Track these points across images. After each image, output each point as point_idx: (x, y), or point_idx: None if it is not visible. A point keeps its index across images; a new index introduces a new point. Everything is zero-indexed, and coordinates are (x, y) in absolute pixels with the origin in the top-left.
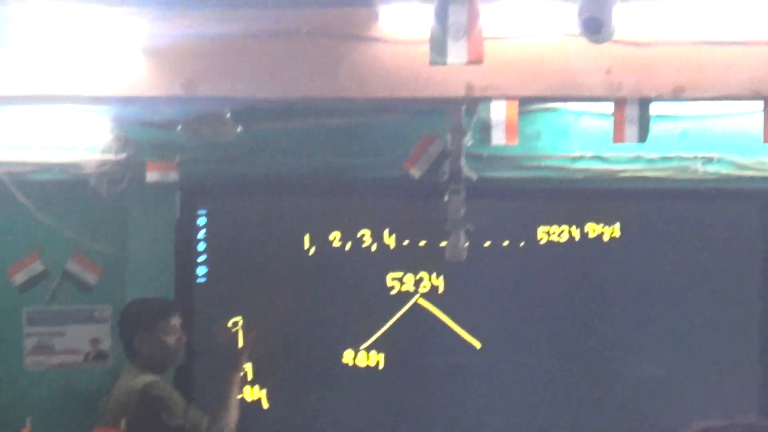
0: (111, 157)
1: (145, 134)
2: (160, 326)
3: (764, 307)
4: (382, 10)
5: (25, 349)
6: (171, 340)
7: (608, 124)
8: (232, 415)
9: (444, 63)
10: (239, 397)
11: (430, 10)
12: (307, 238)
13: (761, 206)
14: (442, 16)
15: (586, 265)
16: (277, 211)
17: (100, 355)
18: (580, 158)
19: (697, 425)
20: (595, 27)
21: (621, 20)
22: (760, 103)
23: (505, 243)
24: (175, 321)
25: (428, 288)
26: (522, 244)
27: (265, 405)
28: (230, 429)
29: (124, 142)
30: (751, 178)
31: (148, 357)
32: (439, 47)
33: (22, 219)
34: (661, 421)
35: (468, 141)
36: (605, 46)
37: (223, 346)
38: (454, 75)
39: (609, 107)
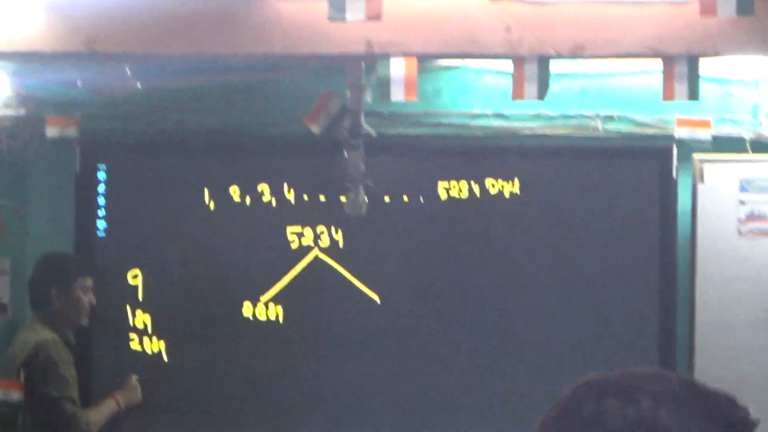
0: (11, 112)
1: (46, 90)
2: (79, 283)
3: (662, 263)
4: None
5: None
6: (86, 299)
7: (508, 82)
8: (98, 419)
9: (343, 19)
10: (107, 412)
11: None
12: (206, 193)
13: (661, 164)
14: None
15: (487, 221)
16: (177, 167)
17: (0, 308)
18: (481, 116)
19: (583, 377)
20: None
21: None
22: (660, 62)
23: (405, 198)
24: (89, 282)
25: (328, 243)
26: (422, 199)
27: (165, 358)
28: (90, 426)
29: (24, 97)
30: (651, 137)
31: (59, 312)
32: (337, 3)
33: None
34: (563, 379)
35: (367, 98)
36: (505, 4)
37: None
38: (353, 31)
39: (509, 65)
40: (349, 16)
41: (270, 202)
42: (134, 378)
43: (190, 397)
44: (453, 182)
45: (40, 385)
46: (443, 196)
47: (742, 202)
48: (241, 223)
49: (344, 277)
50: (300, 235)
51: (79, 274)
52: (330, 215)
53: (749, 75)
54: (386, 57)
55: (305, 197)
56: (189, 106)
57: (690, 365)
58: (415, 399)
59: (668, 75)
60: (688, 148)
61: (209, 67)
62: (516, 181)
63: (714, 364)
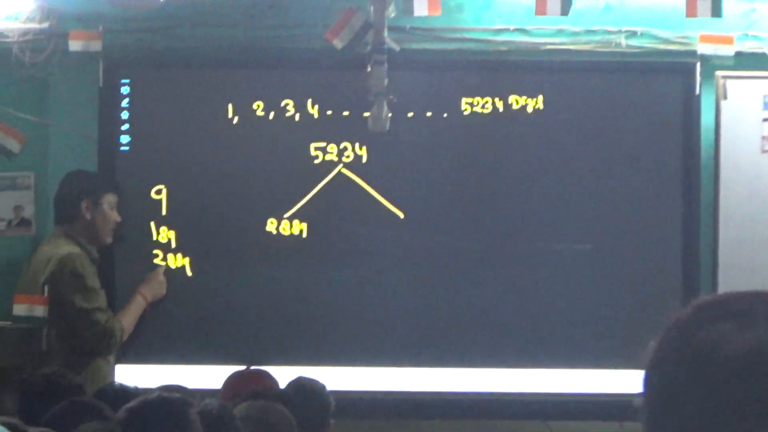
0: (34, 25)
1: (69, 3)
2: (107, 198)
3: (685, 179)
4: None
5: None
6: (114, 215)
7: None
8: (130, 321)
9: None
10: (137, 311)
11: None
12: (230, 108)
13: (684, 81)
14: None
15: (510, 137)
16: (201, 82)
17: (24, 223)
18: (503, 31)
19: (695, 301)
20: None
21: None
22: None
23: (429, 114)
24: (116, 199)
25: (351, 158)
26: (445, 115)
27: (189, 273)
28: (122, 337)
29: (47, 10)
30: (674, 53)
31: (87, 225)
32: None
33: None
34: (584, 294)
35: (391, 12)
36: None
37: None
38: None
39: None
40: None
41: (293, 117)
42: (162, 270)
43: (213, 313)
44: (476, 98)
45: (68, 298)
46: (466, 111)
47: (765, 119)
48: (264, 139)
49: (368, 193)
50: (324, 151)
51: (107, 189)
52: (354, 130)
53: None
54: None
55: (329, 112)
56: (213, 20)
57: (713, 283)
58: (437, 313)
59: None
60: (711, 64)
61: None
62: (539, 96)
63: (737, 282)
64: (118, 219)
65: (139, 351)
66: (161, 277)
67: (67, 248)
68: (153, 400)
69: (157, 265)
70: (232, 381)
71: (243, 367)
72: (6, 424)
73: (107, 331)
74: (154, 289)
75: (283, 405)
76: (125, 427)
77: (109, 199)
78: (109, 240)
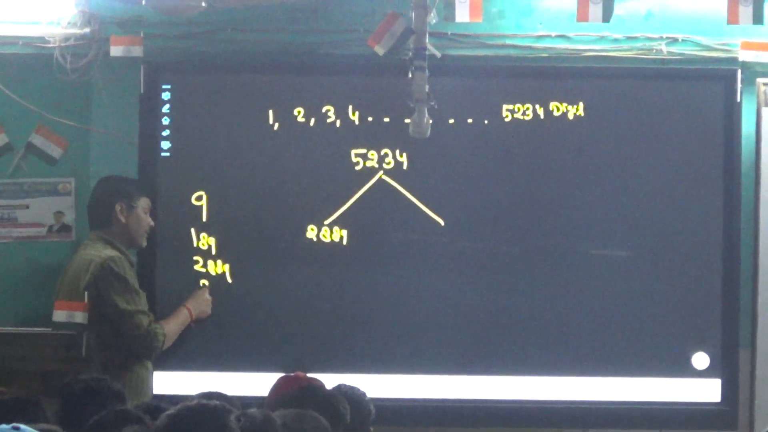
0: (76, 30)
1: (110, 8)
2: (141, 202)
3: (726, 187)
4: None
5: None
6: (148, 218)
7: (572, 3)
8: (173, 330)
9: None
10: (182, 323)
11: None
12: (271, 114)
13: (725, 88)
14: None
15: (551, 144)
16: (242, 87)
17: (64, 228)
18: (545, 37)
19: None
20: None
21: None
22: None
23: (470, 120)
24: (149, 204)
25: (392, 164)
26: (486, 121)
27: (229, 279)
28: (165, 343)
29: (88, 16)
30: (716, 60)
31: (122, 230)
32: None
33: None
34: (624, 303)
35: (432, 19)
36: None
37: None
38: None
39: None
40: None
41: (334, 123)
42: (207, 292)
43: (253, 319)
44: (517, 104)
45: (111, 300)
46: (507, 118)
47: None
48: (305, 145)
49: (408, 200)
50: (364, 157)
51: (141, 193)
52: (394, 137)
53: None
54: None
55: (370, 119)
56: (254, 25)
57: (754, 289)
58: (478, 320)
59: None
60: (752, 71)
61: None
62: (580, 103)
63: None
64: (152, 223)
65: (178, 358)
66: (207, 296)
67: (107, 252)
68: (192, 407)
69: (203, 287)
70: (279, 386)
71: (292, 373)
72: None
73: (150, 334)
74: (200, 306)
75: (329, 407)
76: None
77: (143, 203)
78: (143, 243)
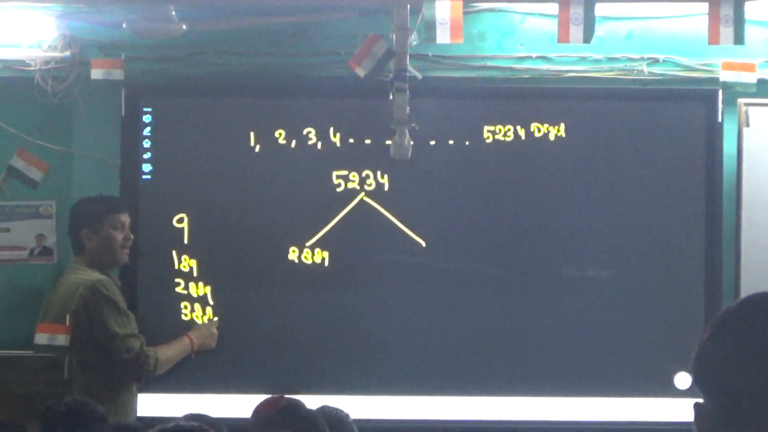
0: (56, 54)
1: (91, 32)
2: (107, 220)
3: (708, 207)
4: None
5: None
6: (118, 235)
7: (553, 25)
8: (165, 361)
9: None
10: (180, 351)
11: None
12: (252, 136)
13: (706, 108)
14: None
15: (532, 165)
16: (223, 110)
17: (46, 251)
18: (526, 58)
19: (746, 297)
20: None
21: None
22: (706, 5)
23: (451, 141)
24: (124, 218)
25: (373, 186)
26: (467, 143)
27: (211, 301)
28: (157, 368)
29: (69, 39)
30: (697, 80)
31: (95, 253)
32: None
33: None
34: (609, 320)
35: (413, 41)
36: None
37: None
38: None
39: (554, 7)
40: None
41: (316, 145)
42: (215, 326)
43: (235, 341)
44: (498, 125)
45: (103, 322)
46: (488, 139)
47: None
48: (286, 167)
49: (390, 221)
50: (346, 179)
51: (108, 212)
52: (376, 159)
53: None
54: None
55: (351, 140)
56: (234, 48)
57: None
58: (459, 341)
59: (714, 18)
60: (733, 91)
61: (255, 9)
62: (561, 124)
63: None
64: (129, 237)
65: (162, 380)
66: (215, 330)
67: (95, 275)
68: (169, 429)
69: (212, 320)
70: (261, 409)
71: (274, 395)
72: None
73: (140, 357)
74: (203, 337)
75: (309, 427)
76: None
77: (110, 221)
78: (122, 259)
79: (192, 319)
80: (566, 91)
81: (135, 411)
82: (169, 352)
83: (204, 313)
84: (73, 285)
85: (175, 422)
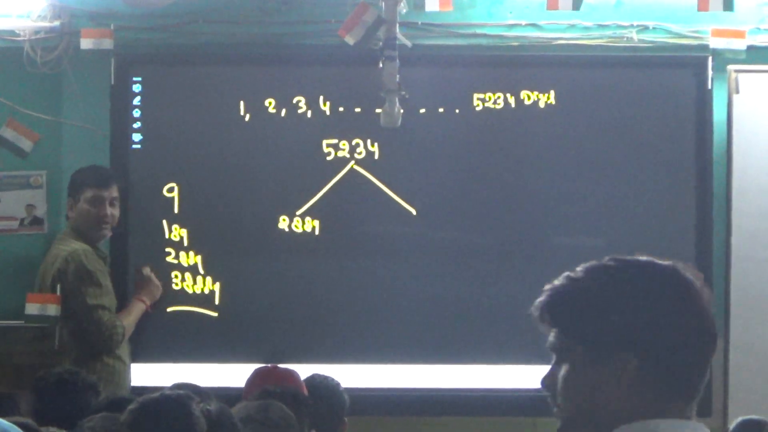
0: (46, 23)
1: (80, 1)
2: (84, 194)
3: (698, 174)
4: None
5: None
6: (93, 210)
7: None
8: (129, 322)
9: None
10: (137, 314)
11: None
12: (242, 105)
13: (696, 75)
14: None
15: (522, 132)
16: (212, 79)
17: (36, 221)
18: (515, 26)
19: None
20: None
21: None
22: None
23: (441, 110)
24: (106, 193)
25: (363, 154)
26: (457, 110)
27: (201, 270)
28: (124, 337)
29: (58, 9)
30: (686, 47)
31: (74, 224)
32: None
33: None
34: None
35: (402, 8)
36: None
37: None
38: None
39: None
40: None
41: (306, 114)
42: (146, 270)
43: (226, 311)
44: (488, 93)
45: (75, 294)
46: (478, 106)
47: None
48: (276, 136)
49: (380, 189)
50: (336, 147)
51: (86, 185)
52: (366, 127)
53: None
54: None
55: (341, 109)
56: (224, 17)
57: (726, 278)
58: (450, 309)
59: None
60: (723, 58)
61: None
62: (551, 92)
63: (751, 275)
64: (108, 213)
65: (154, 350)
66: (154, 279)
67: (74, 245)
68: (155, 399)
69: (139, 268)
70: (255, 378)
71: (268, 365)
72: (19, 424)
73: (109, 329)
74: (151, 293)
75: (296, 404)
76: (130, 428)
77: (87, 195)
78: (98, 236)
79: (182, 288)
80: (556, 59)
81: (129, 380)
82: (131, 319)
83: (194, 282)
84: (54, 255)
85: (161, 392)
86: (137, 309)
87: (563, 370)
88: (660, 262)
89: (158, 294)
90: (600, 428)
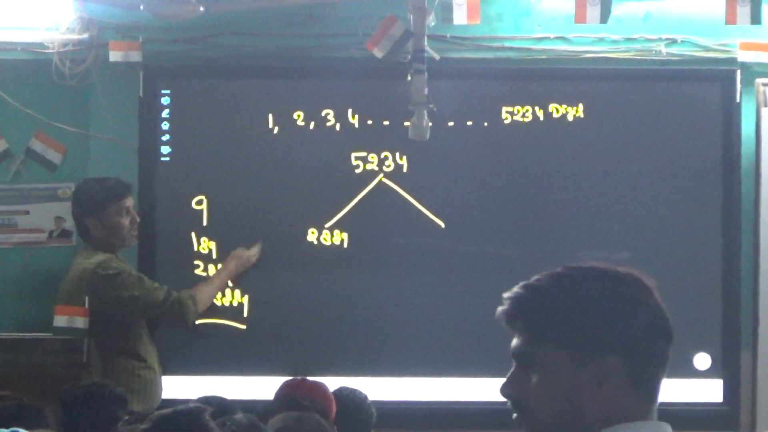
0: (74, 36)
1: (108, 14)
2: (113, 209)
3: (726, 187)
4: None
5: None
6: (125, 221)
7: (570, 5)
8: (205, 296)
9: None
10: (220, 286)
11: None
12: (270, 117)
13: (724, 89)
14: None
15: (550, 145)
16: (241, 91)
17: (64, 234)
18: (543, 39)
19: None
20: None
21: None
22: None
23: (469, 123)
24: (129, 202)
25: (392, 167)
26: (486, 124)
27: (230, 283)
28: (197, 305)
29: (87, 21)
30: (715, 60)
31: (101, 239)
32: None
33: None
34: None
35: (430, 22)
36: None
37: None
38: None
39: None
40: None
41: (334, 127)
42: (243, 251)
43: (254, 323)
44: (516, 106)
45: (119, 298)
46: (506, 120)
47: None
48: (305, 148)
49: (409, 202)
50: (364, 160)
51: (113, 199)
52: (394, 140)
53: None
54: None
55: (369, 122)
56: (252, 29)
57: (755, 289)
58: (479, 323)
59: None
60: (751, 72)
61: None
62: (579, 105)
63: None
64: (136, 220)
65: (182, 362)
66: (247, 252)
67: (97, 258)
68: (167, 416)
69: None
70: (283, 391)
71: (296, 377)
72: None
73: (175, 303)
74: (240, 256)
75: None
76: None
77: (116, 208)
78: (131, 242)
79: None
80: (584, 72)
81: (159, 392)
82: (210, 288)
83: (223, 294)
84: (80, 269)
85: (173, 408)
86: (219, 277)
87: (535, 376)
88: (617, 267)
89: (248, 259)
90: None
